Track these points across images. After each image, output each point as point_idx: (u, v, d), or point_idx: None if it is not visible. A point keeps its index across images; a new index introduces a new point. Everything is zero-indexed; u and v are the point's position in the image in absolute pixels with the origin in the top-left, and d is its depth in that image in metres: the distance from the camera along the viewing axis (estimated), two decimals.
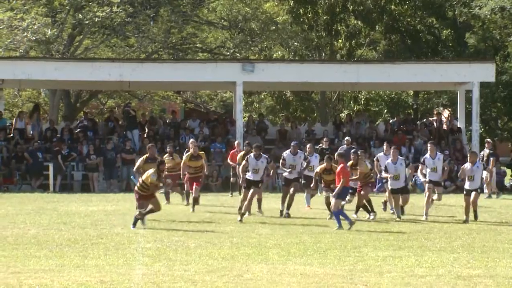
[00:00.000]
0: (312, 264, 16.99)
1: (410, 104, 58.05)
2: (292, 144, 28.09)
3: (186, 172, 28.68)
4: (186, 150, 31.29)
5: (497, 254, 18.64)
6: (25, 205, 29.58)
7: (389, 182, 26.27)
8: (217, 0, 55.90)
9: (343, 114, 55.04)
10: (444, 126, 45.61)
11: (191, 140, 32.35)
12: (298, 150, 27.63)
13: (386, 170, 26.01)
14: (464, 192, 25.70)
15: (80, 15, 49.33)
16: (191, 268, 16.21)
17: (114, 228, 22.94)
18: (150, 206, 22.84)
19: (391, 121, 47.99)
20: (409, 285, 14.73)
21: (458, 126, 44.58)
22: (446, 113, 50.17)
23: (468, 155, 26.30)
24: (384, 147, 28.73)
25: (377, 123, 49.64)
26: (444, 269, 16.50)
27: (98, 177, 39.60)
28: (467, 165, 25.62)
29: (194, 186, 27.86)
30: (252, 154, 25.39)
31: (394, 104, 58.28)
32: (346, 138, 37.51)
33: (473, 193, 25.38)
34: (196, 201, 27.85)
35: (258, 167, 25.17)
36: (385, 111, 58.98)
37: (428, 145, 27.31)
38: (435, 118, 47.42)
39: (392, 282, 14.88)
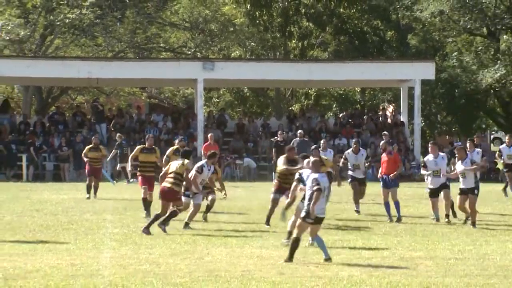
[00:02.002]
0: (267, 247, 17.01)
1: (358, 100, 58.25)
2: (353, 141, 25.35)
3: (138, 168, 23.42)
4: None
5: (437, 237, 18.78)
6: (0, 194, 29.30)
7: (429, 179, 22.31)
8: (179, 3, 55.69)
9: (296, 108, 55.13)
10: (389, 120, 45.84)
11: (150, 134, 29.27)
12: (360, 148, 24.66)
13: (425, 166, 22.23)
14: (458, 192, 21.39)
15: (51, 16, 48.97)
16: (155, 251, 16.16)
17: (84, 214, 22.81)
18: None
19: (340, 115, 48.15)
20: (356, 266, 14.80)
21: (401, 120, 44.83)
22: (390, 108, 50.36)
23: (456, 150, 22.09)
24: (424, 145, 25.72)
25: (327, 117, 49.75)
26: (389, 251, 16.60)
27: (69, 167, 39.35)
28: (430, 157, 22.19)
29: (149, 192, 22.57)
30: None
31: (343, 100, 58.45)
32: (299, 131, 37.64)
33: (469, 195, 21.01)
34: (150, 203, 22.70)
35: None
36: (335, 106, 59.14)
37: (430, 145, 23.00)
38: (380, 112, 47.64)
39: (341, 264, 14.93)
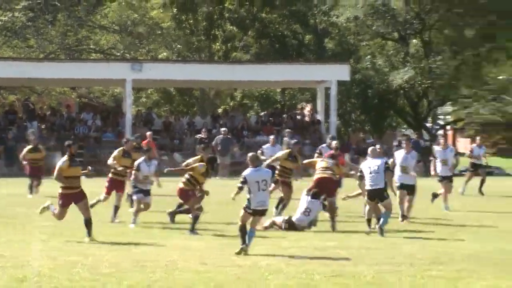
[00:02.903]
0: (191, 239, 16.97)
1: (278, 99, 58.49)
2: (400, 140, 22.36)
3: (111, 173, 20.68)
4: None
5: (350, 228, 18.97)
6: None
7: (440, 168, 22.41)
8: (109, 7, 55.20)
9: (221, 110, 55.13)
10: (307, 119, 46.07)
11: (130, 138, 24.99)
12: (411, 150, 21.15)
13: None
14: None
15: None
16: (84, 243, 15.99)
17: (15, 208, 22.43)
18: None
19: (261, 114, 48.27)
20: (275, 255, 14.86)
21: (318, 118, 45.12)
22: (308, 108, 50.66)
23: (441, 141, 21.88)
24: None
25: (249, 116, 49.83)
26: (306, 242, 16.70)
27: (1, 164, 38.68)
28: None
29: (118, 194, 20.38)
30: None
31: (264, 100, 58.64)
32: (223, 129, 37.59)
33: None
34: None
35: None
36: (256, 105, 59.28)
37: (403, 142, 21.77)
38: (299, 111, 47.90)
39: (261, 253, 14.97)
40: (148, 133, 31.57)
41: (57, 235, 17.04)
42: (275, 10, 55.39)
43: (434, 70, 48.16)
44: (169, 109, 57.05)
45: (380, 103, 51.17)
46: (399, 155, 20.98)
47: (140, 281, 12.02)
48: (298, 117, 46.11)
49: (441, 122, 64.73)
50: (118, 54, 54.38)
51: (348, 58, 50.25)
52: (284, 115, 46.42)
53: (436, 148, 24.40)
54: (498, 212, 23.00)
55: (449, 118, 63.54)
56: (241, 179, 15.03)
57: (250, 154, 15.50)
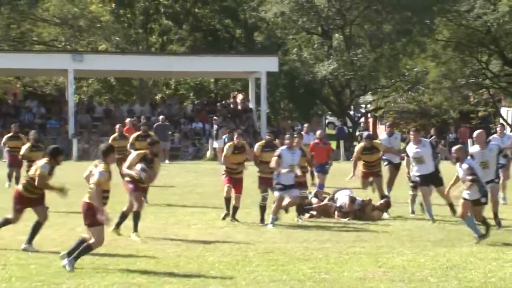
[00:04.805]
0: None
1: (212, 89, 58.40)
2: (411, 133, 17.68)
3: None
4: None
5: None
6: None
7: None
8: (50, 1, 54.32)
9: (158, 97, 54.81)
10: (239, 107, 46.16)
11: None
12: (422, 138, 17.46)
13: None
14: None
15: None
16: (29, 224, 15.77)
17: None
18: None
19: (196, 102, 48.15)
20: (211, 234, 14.89)
21: (250, 107, 45.21)
22: (240, 97, 50.73)
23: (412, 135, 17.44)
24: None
25: (185, 104, 49.66)
26: (240, 222, 16.75)
27: None
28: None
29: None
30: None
31: (199, 89, 58.49)
32: (161, 116, 37.42)
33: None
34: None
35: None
36: (192, 94, 59.09)
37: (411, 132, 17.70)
38: (231, 100, 47.92)
39: (197, 233, 15.00)
40: (128, 119, 31.12)
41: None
42: (207, 5, 55.27)
43: (355, 62, 48.63)
44: (110, 97, 56.49)
45: (307, 93, 51.46)
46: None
47: (84, 258, 11.93)
48: (231, 105, 46.15)
49: (363, 110, 65.53)
50: (60, 46, 53.65)
51: (276, 50, 50.39)
52: (218, 104, 46.40)
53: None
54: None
55: (370, 106, 64.34)
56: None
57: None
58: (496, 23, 46.88)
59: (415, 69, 52.05)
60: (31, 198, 13.17)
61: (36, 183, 13.00)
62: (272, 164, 16.06)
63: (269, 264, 11.91)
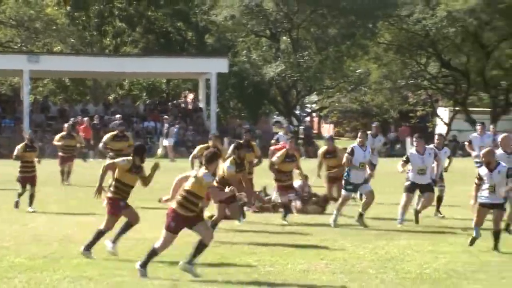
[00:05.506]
0: (87, 214, 16.69)
1: (164, 89, 58.11)
2: (415, 138, 16.01)
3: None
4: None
5: None
6: None
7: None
8: (6, 4, 53.51)
9: (111, 98, 54.35)
10: (190, 107, 46.01)
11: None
12: (426, 146, 15.89)
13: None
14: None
15: None
16: None
17: None
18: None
19: (148, 102, 47.87)
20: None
21: (200, 106, 45.10)
22: (191, 96, 50.58)
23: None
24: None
25: (138, 104, 49.33)
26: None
27: None
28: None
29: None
30: None
31: (151, 89, 58.16)
32: (118, 115, 37.13)
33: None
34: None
35: None
36: (145, 94, 58.72)
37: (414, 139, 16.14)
38: (182, 100, 47.74)
39: (150, 227, 14.88)
40: (86, 118, 30.73)
41: None
42: (160, 8, 54.99)
43: (302, 64, 48.84)
44: (64, 97, 55.86)
45: (255, 93, 51.54)
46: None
47: (37, 252, 11.75)
48: (182, 105, 45.99)
49: (308, 110, 65.85)
50: (16, 47, 52.93)
51: (227, 52, 50.34)
52: (169, 103, 46.19)
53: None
54: None
55: (315, 106, 64.68)
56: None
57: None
58: (434, 27, 47.47)
59: (358, 71, 52.44)
60: None
61: None
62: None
63: (215, 257, 11.86)
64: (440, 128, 50.66)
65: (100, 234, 11.82)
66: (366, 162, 15.54)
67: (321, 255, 12.16)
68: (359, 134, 16.11)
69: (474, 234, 12.82)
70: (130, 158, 11.85)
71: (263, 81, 49.88)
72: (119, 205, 11.80)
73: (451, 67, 50.90)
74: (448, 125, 50.67)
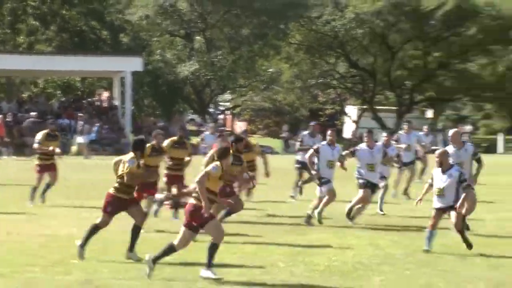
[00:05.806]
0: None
1: (78, 87, 57.28)
2: (365, 134, 15.66)
3: None
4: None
5: None
6: None
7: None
8: None
9: (26, 95, 53.26)
10: (105, 104, 45.49)
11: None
12: (375, 143, 15.68)
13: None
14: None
15: None
16: None
17: None
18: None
19: (62, 99, 47.13)
20: (76, 225, 14.64)
21: (115, 104, 44.65)
22: (106, 94, 50.02)
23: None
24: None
25: (52, 101, 48.48)
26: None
27: None
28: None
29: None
30: None
31: (66, 87, 57.25)
32: (33, 113, 36.36)
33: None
34: None
35: None
36: (59, 92, 57.76)
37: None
38: (97, 98, 47.20)
39: (61, 223, 14.71)
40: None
41: None
42: (74, 7, 54.18)
43: (215, 64, 48.96)
44: None
45: (169, 91, 51.41)
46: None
47: None
48: (97, 103, 45.44)
49: (222, 108, 66.02)
50: None
51: (141, 51, 50.04)
52: (84, 101, 45.57)
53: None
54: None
55: (229, 104, 64.90)
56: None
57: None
58: (343, 28, 48.30)
59: (270, 70, 52.92)
60: None
61: None
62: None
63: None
64: (349, 126, 51.60)
65: (95, 229, 11.36)
66: (335, 160, 15.10)
67: (233, 249, 12.23)
68: (328, 132, 15.46)
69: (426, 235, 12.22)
70: (133, 155, 11.16)
71: (177, 80, 49.81)
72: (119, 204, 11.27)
73: (358, 67, 51.91)
74: (357, 123, 51.66)
